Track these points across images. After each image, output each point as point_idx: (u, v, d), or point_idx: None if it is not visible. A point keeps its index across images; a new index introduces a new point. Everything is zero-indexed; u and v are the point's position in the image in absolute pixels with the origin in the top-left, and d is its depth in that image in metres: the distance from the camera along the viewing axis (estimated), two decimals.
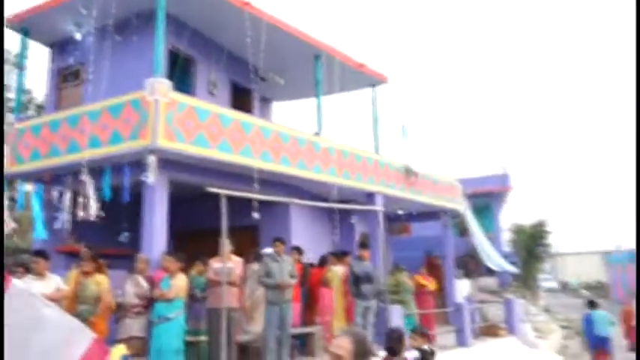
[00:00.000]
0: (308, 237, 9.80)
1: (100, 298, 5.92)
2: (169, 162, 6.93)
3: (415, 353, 4.66)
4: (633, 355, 12.68)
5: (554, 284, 40.19)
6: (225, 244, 6.25)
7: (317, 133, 9.24)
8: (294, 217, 9.38)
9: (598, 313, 11.01)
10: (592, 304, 11.38)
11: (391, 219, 14.58)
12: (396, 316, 8.06)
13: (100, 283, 5.99)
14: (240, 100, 10.31)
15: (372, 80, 11.39)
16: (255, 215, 6.77)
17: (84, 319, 5.24)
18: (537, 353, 10.86)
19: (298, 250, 8.00)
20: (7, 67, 13.34)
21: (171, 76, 7.98)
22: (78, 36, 8.63)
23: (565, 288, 42.14)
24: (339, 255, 8.83)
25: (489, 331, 11.00)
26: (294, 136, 8.37)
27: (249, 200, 6.75)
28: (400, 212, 13.87)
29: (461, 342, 9.54)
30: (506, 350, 10.25)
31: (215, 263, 6.53)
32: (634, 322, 13.11)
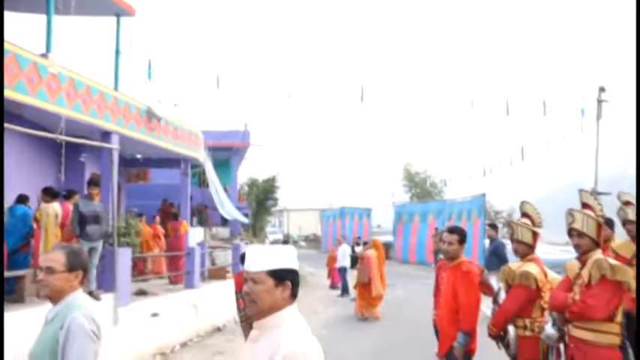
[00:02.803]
0: (27, 171, 8.60)
1: None
2: None
3: None
4: (334, 292, 15.24)
5: (279, 236, 44.72)
6: None
7: (45, 55, 8.06)
8: (8, 147, 8.08)
9: None
10: (285, 242, 13.83)
11: (129, 163, 13.92)
12: (124, 259, 7.84)
13: None
14: None
15: (118, 9, 10.43)
16: None
17: None
18: None
19: None
20: None
21: None
22: None
23: (288, 240, 47.36)
24: (67, 194, 8.08)
25: (217, 273, 11.68)
26: (14, 53, 7.11)
27: None
28: (139, 156, 13.35)
29: (189, 284, 9.88)
30: (228, 290, 11.06)
31: None
32: (335, 265, 15.74)
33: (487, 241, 12.04)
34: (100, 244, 7.39)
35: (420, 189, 34.72)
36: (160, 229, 12.08)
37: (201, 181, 17.40)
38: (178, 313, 8.76)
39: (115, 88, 10.13)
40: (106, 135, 9.11)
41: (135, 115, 10.03)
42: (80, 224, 7.13)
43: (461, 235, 4.29)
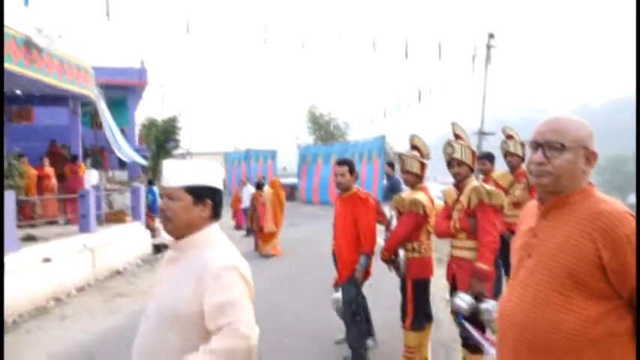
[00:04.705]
0: None
1: None
2: None
3: None
4: (239, 232, 15.32)
5: None
6: None
7: None
8: None
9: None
10: (150, 183, 14.12)
11: (8, 100, 12.62)
12: (8, 202, 7.24)
13: None
14: None
15: None
16: None
17: None
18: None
19: None
20: None
21: None
22: None
23: None
24: None
25: (115, 217, 11.22)
26: None
27: None
28: (18, 92, 12.14)
29: (84, 228, 9.42)
30: (127, 233, 10.75)
31: None
32: (240, 206, 15.78)
33: (385, 182, 12.66)
34: None
35: (324, 131, 35.25)
36: (49, 171, 11.28)
37: (94, 122, 16.28)
38: (73, 257, 8.37)
39: None
40: None
41: (11, 45, 9.00)
42: None
43: (350, 166, 4.47)
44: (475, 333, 3.29)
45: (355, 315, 4.54)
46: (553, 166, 1.63)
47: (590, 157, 1.65)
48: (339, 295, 4.69)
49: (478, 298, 3.57)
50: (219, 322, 1.70)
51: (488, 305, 3.52)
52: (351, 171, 4.46)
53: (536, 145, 1.66)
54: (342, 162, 4.52)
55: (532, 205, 1.83)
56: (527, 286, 1.66)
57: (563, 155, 1.62)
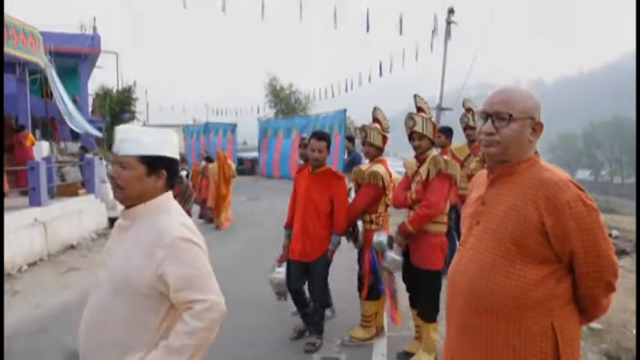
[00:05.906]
0: None
1: None
2: None
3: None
4: (197, 206, 15.12)
5: None
6: None
7: None
8: None
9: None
10: (84, 149, 13.88)
11: None
12: None
13: None
14: None
15: None
16: None
17: None
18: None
19: None
20: None
21: None
22: None
23: None
24: None
25: (68, 190, 10.86)
26: None
27: None
28: None
29: (35, 201, 9.08)
30: (81, 206, 10.44)
31: None
32: (198, 180, 15.52)
33: (346, 156, 12.73)
34: None
35: (285, 105, 34.89)
36: None
37: (44, 91, 15.54)
38: (23, 231, 8.08)
39: None
40: None
41: None
42: None
43: (328, 141, 4.25)
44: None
45: (325, 294, 4.51)
46: (501, 135, 1.68)
47: (537, 127, 1.70)
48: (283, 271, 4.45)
49: (392, 247, 3.95)
50: (190, 296, 1.70)
51: (393, 255, 3.94)
52: (328, 146, 4.24)
53: (486, 115, 1.71)
54: (320, 136, 4.23)
55: (482, 175, 1.89)
56: (475, 253, 1.73)
57: (511, 125, 1.67)
